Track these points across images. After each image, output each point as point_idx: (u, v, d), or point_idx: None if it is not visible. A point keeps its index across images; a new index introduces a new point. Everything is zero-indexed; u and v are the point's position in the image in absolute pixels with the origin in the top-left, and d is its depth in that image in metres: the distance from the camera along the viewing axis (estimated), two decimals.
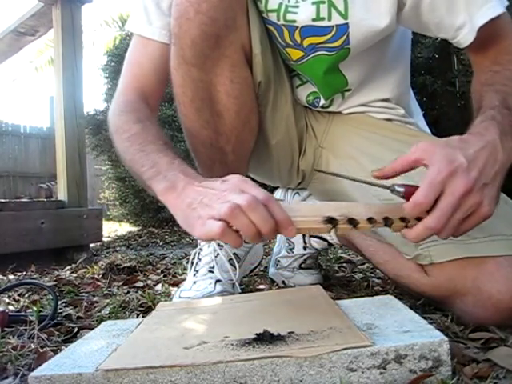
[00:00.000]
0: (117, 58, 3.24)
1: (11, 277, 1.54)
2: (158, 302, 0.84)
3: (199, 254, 0.91)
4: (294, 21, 0.78)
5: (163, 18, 0.83)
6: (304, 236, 1.04)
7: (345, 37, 0.77)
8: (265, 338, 0.50)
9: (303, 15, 0.77)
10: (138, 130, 0.74)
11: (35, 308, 0.83)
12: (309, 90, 0.91)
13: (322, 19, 0.76)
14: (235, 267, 0.90)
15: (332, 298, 0.68)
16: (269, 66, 0.82)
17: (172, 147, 0.72)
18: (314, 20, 0.77)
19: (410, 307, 0.60)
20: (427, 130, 0.96)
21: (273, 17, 0.79)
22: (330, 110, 0.93)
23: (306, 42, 0.80)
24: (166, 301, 0.90)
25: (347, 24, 0.76)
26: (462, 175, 0.53)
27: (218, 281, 0.86)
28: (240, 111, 0.80)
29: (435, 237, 0.68)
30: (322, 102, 0.91)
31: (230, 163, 0.86)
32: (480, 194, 0.54)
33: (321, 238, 1.00)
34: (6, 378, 0.58)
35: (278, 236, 1.14)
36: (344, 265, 1.27)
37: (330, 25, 0.76)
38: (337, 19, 0.76)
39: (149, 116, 0.80)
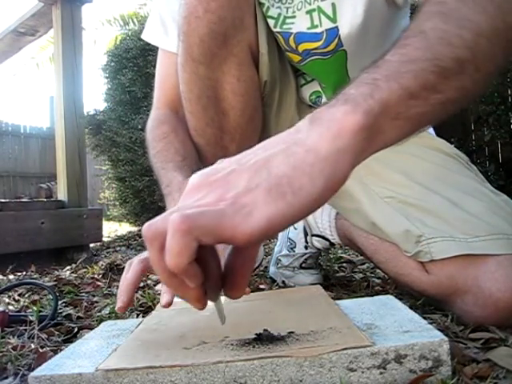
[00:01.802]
0: (117, 58, 3.24)
1: (11, 277, 1.54)
2: (157, 302, 0.84)
3: None
4: (289, 28, 0.79)
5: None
6: (306, 235, 1.04)
7: (336, 40, 0.78)
8: (265, 338, 0.50)
9: (299, 25, 0.78)
10: (162, 148, 0.80)
11: (35, 308, 0.83)
12: (312, 89, 0.91)
13: (316, 26, 0.78)
14: None
15: (332, 298, 0.68)
16: (275, 65, 0.82)
17: (192, 159, 0.79)
18: (308, 28, 0.78)
19: (410, 307, 0.60)
20: (431, 130, 0.95)
21: (270, 23, 0.80)
22: None
23: (300, 48, 0.81)
24: None
25: (337, 27, 0.76)
26: None
27: None
28: (245, 109, 0.81)
29: (437, 233, 0.69)
30: (324, 100, 0.91)
31: None
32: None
33: (323, 237, 1.00)
34: (6, 377, 0.58)
35: (280, 235, 1.14)
36: (344, 265, 1.26)
37: (321, 31, 0.77)
38: (326, 24, 0.77)
39: (175, 127, 0.84)
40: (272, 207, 0.36)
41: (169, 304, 0.58)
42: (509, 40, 0.48)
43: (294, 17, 0.79)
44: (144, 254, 0.61)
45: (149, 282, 1.18)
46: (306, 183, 0.37)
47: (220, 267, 0.41)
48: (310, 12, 0.77)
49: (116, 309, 0.57)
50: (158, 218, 0.38)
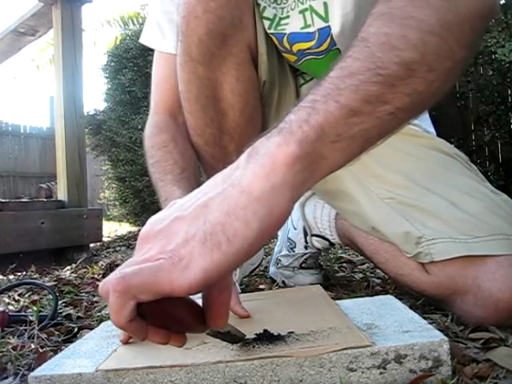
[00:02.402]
0: (117, 58, 3.24)
1: (11, 277, 1.54)
2: None
3: None
4: (283, 29, 0.79)
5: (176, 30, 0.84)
6: (306, 235, 1.04)
7: (329, 39, 0.78)
8: (265, 338, 0.50)
9: (293, 25, 0.78)
10: (160, 157, 0.78)
11: (35, 308, 0.83)
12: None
13: (309, 26, 0.78)
14: None
15: (332, 298, 0.68)
16: (274, 65, 0.82)
17: (191, 171, 0.77)
18: (302, 28, 0.78)
19: (410, 307, 0.60)
20: (432, 130, 0.95)
21: (265, 25, 0.80)
22: None
23: (294, 48, 0.81)
24: None
25: (329, 26, 0.76)
26: None
27: None
28: (244, 109, 0.81)
29: (437, 235, 0.69)
30: None
31: (233, 163, 0.86)
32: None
33: (323, 237, 1.00)
34: (6, 377, 0.58)
35: (280, 235, 1.14)
36: (344, 265, 1.26)
37: (313, 30, 0.77)
38: (318, 23, 0.77)
39: (174, 136, 0.82)
40: (207, 259, 0.35)
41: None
42: (464, 31, 0.44)
43: (287, 17, 0.79)
44: None
45: None
46: (239, 228, 0.35)
47: (189, 307, 0.41)
48: (302, 11, 0.77)
49: (120, 340, 0.56)
50: (111, 275, 0.38)
